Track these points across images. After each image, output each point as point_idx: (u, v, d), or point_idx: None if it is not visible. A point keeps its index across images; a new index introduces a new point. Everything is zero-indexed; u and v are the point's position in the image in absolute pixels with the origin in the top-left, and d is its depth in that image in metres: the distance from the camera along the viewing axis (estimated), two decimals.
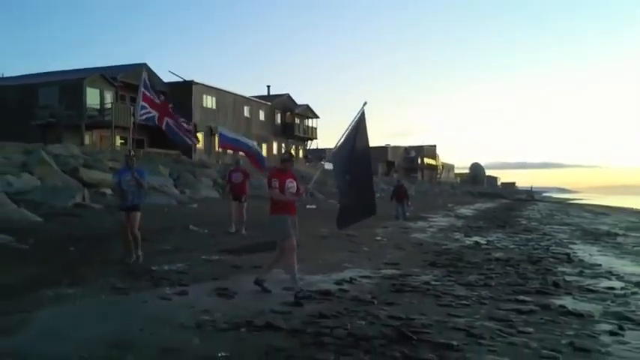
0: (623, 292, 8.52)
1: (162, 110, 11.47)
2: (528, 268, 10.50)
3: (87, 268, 8.42)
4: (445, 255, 12.16)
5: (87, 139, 38.72)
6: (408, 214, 23.11)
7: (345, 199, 8.01)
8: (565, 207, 53.95)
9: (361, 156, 7.94)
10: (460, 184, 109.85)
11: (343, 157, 7.80)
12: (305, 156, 66.38)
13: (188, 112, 39.97)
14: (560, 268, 10.72)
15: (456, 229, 20.07)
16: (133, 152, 9.84)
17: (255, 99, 57.02)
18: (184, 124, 12.21)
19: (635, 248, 15.43)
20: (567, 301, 7.59)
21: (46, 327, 5.67)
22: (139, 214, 9.50)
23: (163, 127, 11.55)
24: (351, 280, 8.66)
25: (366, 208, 8.10)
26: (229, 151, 15.57)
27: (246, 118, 54.26)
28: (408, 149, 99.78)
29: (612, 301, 7.77)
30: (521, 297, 7.78)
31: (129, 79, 39.32)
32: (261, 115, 57.40)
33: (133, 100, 38.79)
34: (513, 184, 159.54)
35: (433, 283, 8.72)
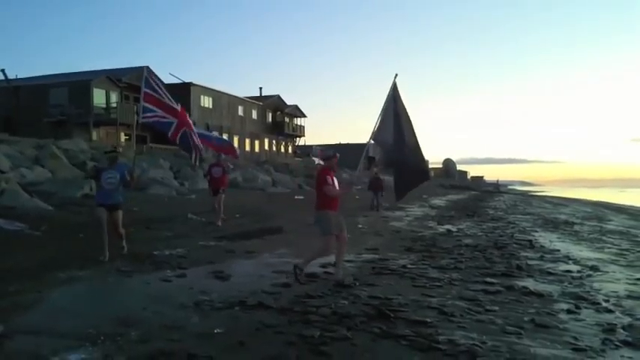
0: (579, 274, 8.60)
1: (181, 118, 9.90)
2: (495, 253, 10.54)
3: (95, 253, 8.37)
4: (420, 241, 12.18)
5: (94, 135, 38.47)
6: (383, 203, 23.15)
7: (398, 174, 7.68)
8: (528, 198, 54.24)
9: (406, 124, 7.56)
10: (434, 178, 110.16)
11: (388, 134, 7.45)
12: (294, 151, 66.56)
13: (187, 112, 39.70)
14: (523, 253, 10.77)
15: (430, 218, 20.12)
16: (118, 147, 8.94)
17: (248, 99, 56.84)
18: (198, 141, 10.42)
19: (590, 235, 15.56)
20: (529, 283, 7.64)
21: (58, 305, 5.66)
22: (121, 213, 8.45)
23: (178, 137, 9.84)
24: (334, 264, 8.65)
25: (420, 175, 7.83)
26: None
27: (240, 116, 54.15)
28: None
29: (569, 283, 7.84)
30: (488, 279, 7.82)
31: (132, 81, 39.22)
32: (254, 114, 57.25)
33: (137, 100, 38.72)
34: (482, 177, 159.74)
35: (409, 266, 8.74)
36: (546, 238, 14.10)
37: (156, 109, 9.50)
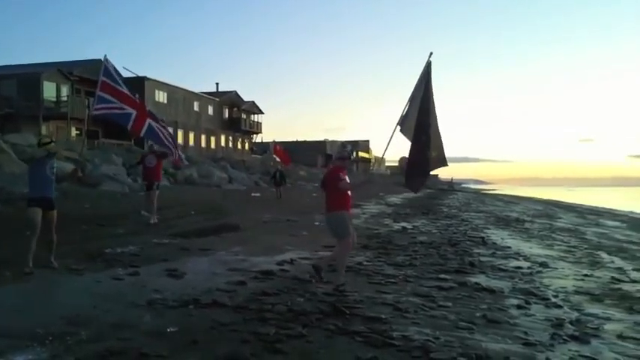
0: (529, 271, 8.83)
1: (141, 110, 9.17)
2: (448, 250, 10.72)
3: (43, 251, 8.12)
4: (376, 239, 12.26)
5: (44, 130, 37.21)
6: None
7: (420, 160, 7.42)
8: (481, 197, 55.31)
9: (433, 107, 7.38)
10: (390, 176, 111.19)
11: (415, 115, 7.26)
12: (251, 148, 66.14)
13: None
14: (476, 250, 10.99)
15: (386, 215, 20.29)
16: (50, 138, 7.99)
17: (204, 95, 56.09)
18: (168, 133, 9.83)
19: (540, 233, 16.00)
20: (481, 279, 7.81)
21: (5, 304, 5.47)
22: (56, 212, 7.45)
23: (143, 131, 9.19)
24: (291, 261, 8.64)
25: (440, 161, 7.67)
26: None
27: (196, 112, 53.36)
28: (344, 143, 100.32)
29: (520, 279, 8.04)
30: (442, 275, 7.96)
31: (84, 74, 38.33)
32: (210, 110, 56.52)
33: (88, 93, 37.86)
34: (436, 176, 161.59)
35: (365, 263, 8.80)
36: (498, 236, 14.43)
37: (113, 99, 8.77)
